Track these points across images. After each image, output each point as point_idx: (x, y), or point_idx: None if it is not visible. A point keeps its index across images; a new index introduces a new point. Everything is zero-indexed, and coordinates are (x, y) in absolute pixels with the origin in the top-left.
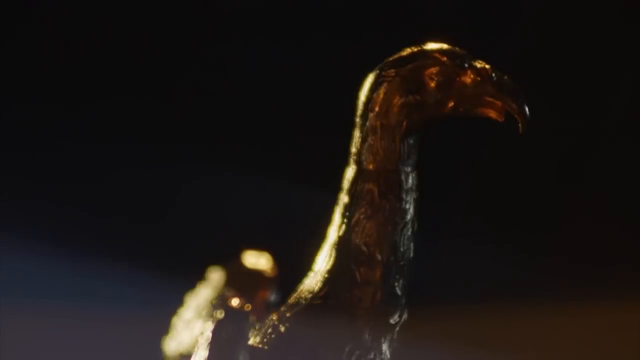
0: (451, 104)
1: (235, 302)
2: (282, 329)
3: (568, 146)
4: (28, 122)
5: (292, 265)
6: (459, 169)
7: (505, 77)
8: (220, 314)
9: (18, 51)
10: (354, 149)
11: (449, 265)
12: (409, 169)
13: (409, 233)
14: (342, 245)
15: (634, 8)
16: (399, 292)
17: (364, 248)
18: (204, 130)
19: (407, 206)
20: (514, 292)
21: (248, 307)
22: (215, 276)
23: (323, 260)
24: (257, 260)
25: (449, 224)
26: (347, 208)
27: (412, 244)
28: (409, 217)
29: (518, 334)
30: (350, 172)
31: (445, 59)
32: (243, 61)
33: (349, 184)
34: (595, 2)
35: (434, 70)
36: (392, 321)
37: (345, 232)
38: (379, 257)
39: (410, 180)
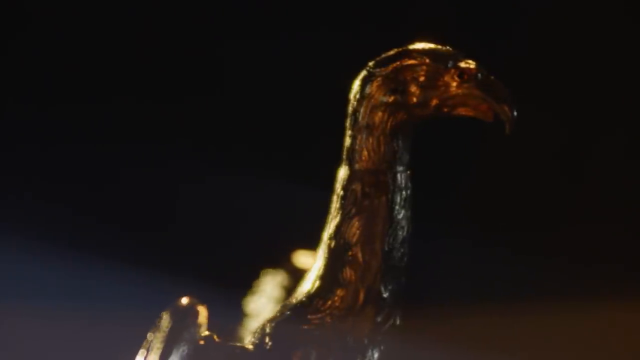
0: (434, 104)
1: (184, 301)
2: (268, 329)
3: (567, 146)
4: (33, 122)
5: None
6: (459, 170)
7: (492, 77)
8: (165, 313)
9: (22, 49)
10: (345, 149)
11: (448, 266)
12: (398, 169)
13: (400, 234)
14: (329, 245)
15: (634, 7)
16: (384, 293)
17: (347, 248)
18: (204, 132)
19: (395, 206)
20: (513, 293)
21: (199, 307)
22: (269, 277)
23: (317, 261)
24: (308, 260)
25: (448, 225)
26: (336, 208)
27: (402, 245)
28: (397, 217)
29: (517, 335)
30: (341, 172)
31: (428, 58)
32: (240, 62)
33: (338, 184)
34: (595, 1)
35: (416, 70)
36: (376, 323)
37: (332, 232)
38: (362, 258)
39: (399, 180)
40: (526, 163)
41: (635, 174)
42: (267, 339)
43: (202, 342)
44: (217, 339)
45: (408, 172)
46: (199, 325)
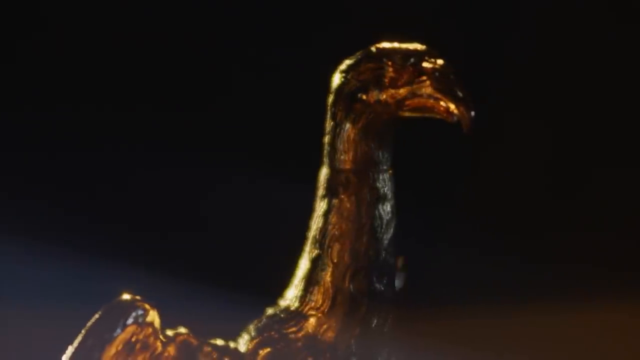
0: (395, 104)
1: (125, 296)
2: (252, 329)
3: (565, 150)
4: (35, 123)
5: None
6: (456, 173)
7: (450, 76)
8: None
9: (35, 51)
10: (324, 148)
11: (446, 268)
12: (371, 168)
13: (374, 234)
14: (308, 244)
15: (631, 10)
16: (355, 293)
17: (320, 248)
18: (204, 134)
19: (367, 206)
20: (511, 295)
21: (139, 304)
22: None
23: (302, 260)
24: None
25: (447, 227)
26: (315, 208)
27: (377, 245)
28: (370, 217)
29: (516, 336)
30: (322, 171)
31: (390, 59)
32: (235, 63)
33: (319, 183)
34: (591, 5)
35: (379, 70)
36: (347, 324)
37: (310, 231)
38: (330, 257)
39: (371, 180)
40: (526, 166)
41: (632, 179)
42: (247, 338)
43: (159, 343)
44: (192, 337)
45: (388, 172)
46: (135, 322)
